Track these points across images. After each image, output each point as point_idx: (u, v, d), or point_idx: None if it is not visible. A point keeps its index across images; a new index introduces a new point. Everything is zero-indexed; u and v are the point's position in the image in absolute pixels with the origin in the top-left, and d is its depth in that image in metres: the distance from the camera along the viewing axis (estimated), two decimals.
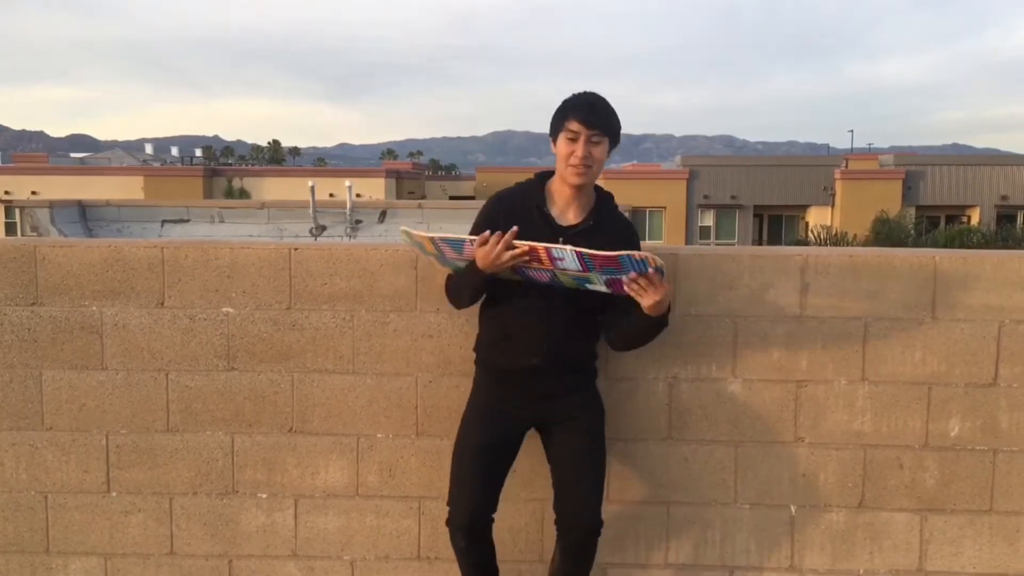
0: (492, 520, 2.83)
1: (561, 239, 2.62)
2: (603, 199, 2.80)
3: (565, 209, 2.75)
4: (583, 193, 2.74)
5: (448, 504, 2.83)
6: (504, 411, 2.81)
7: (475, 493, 2.78)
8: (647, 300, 2.56)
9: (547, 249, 2.52)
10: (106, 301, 3.14)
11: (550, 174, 2.80)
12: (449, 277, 2.85)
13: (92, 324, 3.15)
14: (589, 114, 2.65)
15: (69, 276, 3.13)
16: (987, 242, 25.55)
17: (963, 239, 26.33)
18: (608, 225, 2.75)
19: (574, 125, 2.64)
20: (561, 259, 2.52)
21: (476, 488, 2.78)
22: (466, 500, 2.79)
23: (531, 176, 2.84)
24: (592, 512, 2.79)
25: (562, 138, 2.68)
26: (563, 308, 2.70)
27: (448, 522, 2.83)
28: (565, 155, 2.67)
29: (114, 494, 3.22)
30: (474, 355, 2.91)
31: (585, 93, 2.71)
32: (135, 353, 3.16)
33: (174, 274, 3.13)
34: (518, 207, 2.73)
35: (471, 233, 2.69)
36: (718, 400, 3.13)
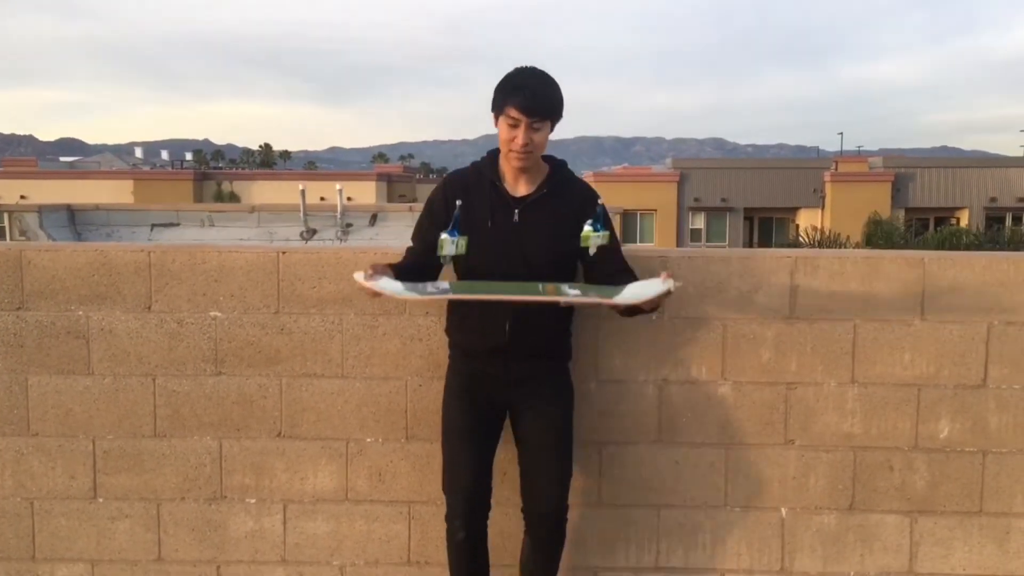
0: (488, 514, 2.81)
1: (517, 209, 2.67)
2: (555, 167, 2.77)
3: (515, 183, 2.73)
4: (530, 168, 2.72)
5: (444, 491, 2.81)
6: (475, 394, 2.80)
7: (467, 473, 2.77)
8: (648, 307, 2.59)
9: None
10: (92, 306, 3.11)
11: (498, 150, 2.76)
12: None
13: (78, 329, 3.12)
14: (530, 101, 2.58)
15: (55, 280, 3.11)
16: (979, 244, 25.66)
17: (954, 241, 26.44)
18: (562, 191, 2.73)
19: (514, 112, 2.59)
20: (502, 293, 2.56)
21: (468, 468, 2.77)
22: (460, 481, 2.77)
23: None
24: (557, 498, 2.78)
25: (502, 122, 2.62)
26: (521, 276, 2.65)
27: (446, 515, 2.81)
28: (506, 140, 2.63)
29: (101, 500, 3.20)
30: (447, 337, 2.91)
31: (524, 73, 2.63)
32: (122, 358, 3.13)
33: (161, 278, 3.11)
34: (472, 183, 2.74)
35: (426, 211, 2.76)
36: (708, 402, 3.13)
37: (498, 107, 2.64)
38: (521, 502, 2.85)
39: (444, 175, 2.86)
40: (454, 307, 2.85)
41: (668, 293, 2.50)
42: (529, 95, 2.59)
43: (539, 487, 2.80)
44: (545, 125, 2.65)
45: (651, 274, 2.59)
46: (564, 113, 2.70)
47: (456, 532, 2.79)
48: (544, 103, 2.62)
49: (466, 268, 2.72)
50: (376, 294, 2.56)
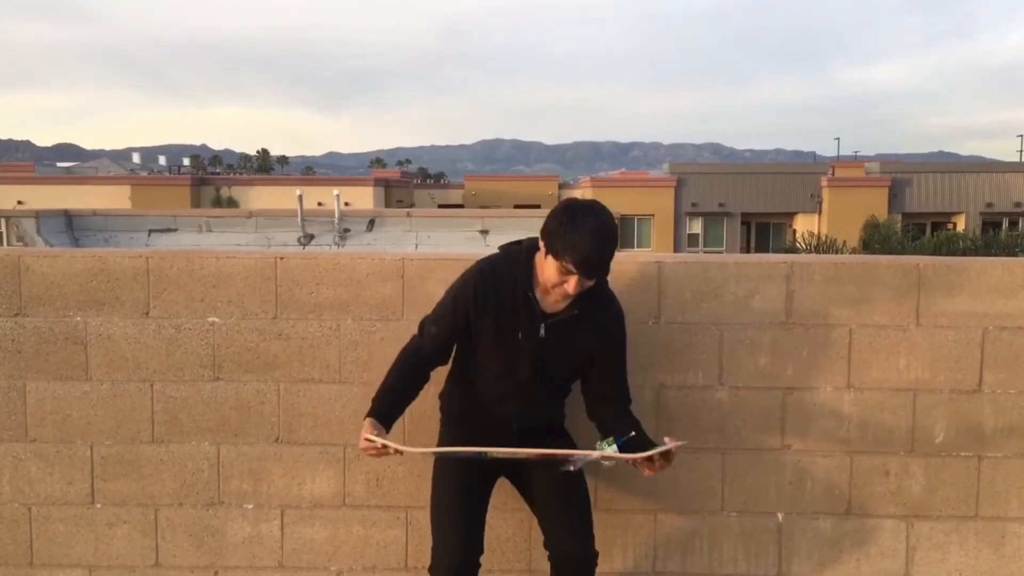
0: (479, 567, 2.72)
1: (543, 324, 2.60)
2: (595, 288, 2.59)
3: (547, 295, 2.61)
4: None
5: (433, 554, 2.70)
6: (468, 458, 2.69)
7: (461, 536, 2.67)
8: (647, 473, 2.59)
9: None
10: (90, 311, 3.12)
11: (536, 246, 2.60)
12: (412, 340, 2.78)
13: (76, 334, 3.13)
14: (594, 270, 2.50)
15: (53, 286, 3.11)
16: (975, 249, 25.68)
17: (951, 246, 26.46)
18: (593, 314, 2.64)
19: (571, 267, 2.46)
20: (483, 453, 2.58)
21: (462, 531, 2.68)
22: (454, 546, 2.66)
23: (516, 244, 2.71)
24: (584, 544, 2.72)
25: (557, 266, 2.47)
26: (533, 382, 2.68)
27: (431, 570, 2.69)
28: (555, 282, 2.51)
29: (99, 506, 3.20)
30: (439, 402, 2.91)
31: (595, 234, 2.45)
32: (120, 363, 3.14)
33: (159, 284, 3.12)
34: (506, 287, 2.61)
35: (452, 303, 2.66)
36: (705, 408, 3.14)
37: (555, 252, 2.47)
38: (547, 551, 2.76)
39: (475, 265, 2.70)
40: (457, 392, 2.83)
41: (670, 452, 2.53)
42: (596, 263, 2.48)
43: (566, 536, 2.71)
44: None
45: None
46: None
47: None
48: (605, 267, 2.53)
49: (477, 365, 2.70)
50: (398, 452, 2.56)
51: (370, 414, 2.60)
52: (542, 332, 2.61)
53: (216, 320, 3.13)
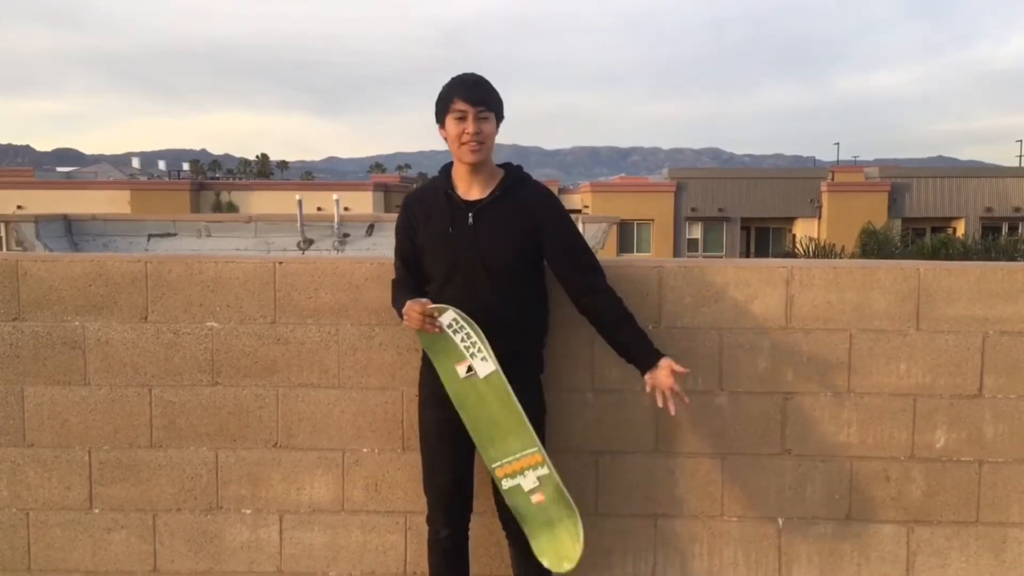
0: (469, 515, 2.85)
1: (470, 213, 2.74)
2: (509, 171, 2.84)
3: (469, 188, 2.79)
4: (483, 170, 2.79)
5: (425, 493, 2.85)
6: (447, 397, 2.78)
7: (446, 472, 2.81)
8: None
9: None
10: (89, 316, 3.11)
11: (449, 164, 2.87)
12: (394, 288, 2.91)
13: (75, 339, 3.12)
14: (473, 90, 2.72)
15: (51, 291, 3.11)
16: (966, 254, 25.71)
17: (948, 250, 26.48)
18: (516, 192, 2.79)
19: (460, 104, 2.70)
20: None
21: (446, 468, 2.81)
22: (440, 480, 2.82)
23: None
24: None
25: (450, 120, 2.73)
26: (477, 272, 2.73)
27: (428, 517, 2.86)
28: (456, 135, 2.72)
29: (97, 511, 3.19)
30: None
31: (464, 74, 2.79)
32: (118, 368, 3.13)
33: (157, 288, 3.11)
34: (429, 197, 2.84)
35: (397, 232, 2.87)
36: (705, 412, 3.13)
37: (443, 109, 2.75)
38: (498, 511, 2.86)
39: (407, 194, 2.98)
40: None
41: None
42: (472, 86, 2.73)
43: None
44: (491, 117, 2.75)
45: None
46: (505, 114, 2.81)
47: (438, 531, 2.84)
48: (487, 92, 2.74)
49: (431, 279, 2.80)
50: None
51: (406, 300, 2.72)
52: (470, 220, 2.75)
53: (215, 325, 3.12)
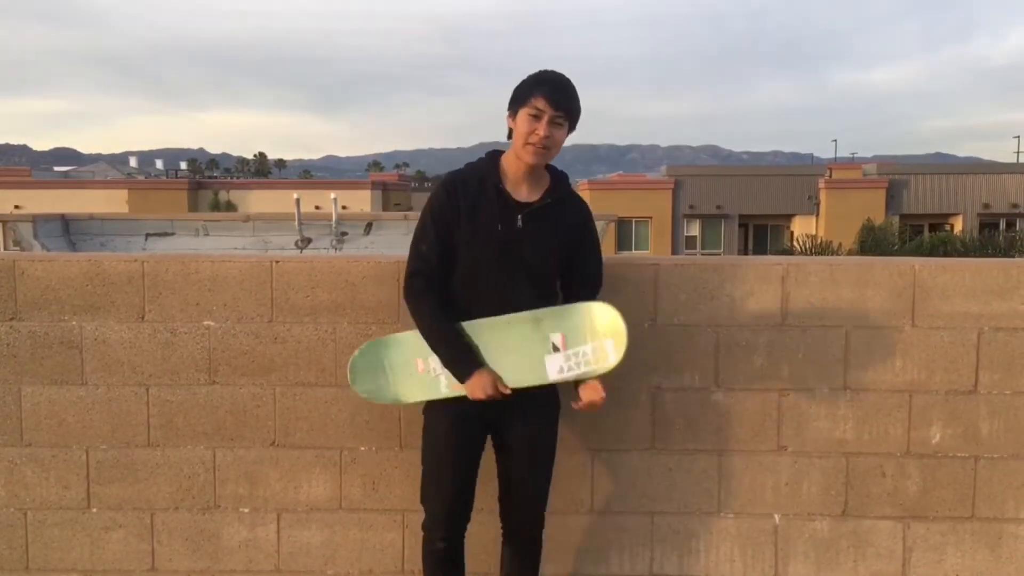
0: (467, 525, 2.81)
1: (519, 215, 2.66)
2: (559, 179, 2.77)
3: (518, 186, 2.70)
4: (536, 171, 2.72)
5: (423, 504, 2.80)
6: (464, 410, 2.72)
7: (451, 487, 2.75)
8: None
9: None
10: (86, 315, 3.12)
11: (501, 152, 2.76)
12: (411, 279, 2.74)
13: (72, 339, 3.12)
14: (558, 93, 2.61)
15: (48, 291, 3.11)
16: (966, 251, 25.75)
17: (946, 247, 26.52)
18: (563, 205, 2.74)
19: (540, 103, 2.59)
20: None
21: (452, 482, 2.75)
22: (444, 495, 2.76)
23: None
24: (539, 508, 2.81)
25: (524, 114, 2.61)
26: (513, 276, 2.67)
27: (424, 524, 2.81)
28: (525, 133, 2.61)
29: (94, 510, 3.20)
30: None
31: (555, 71, 2.67)
32: (115, 368, 3.13)
33: (154, 288, 3.11)
34: (474, 188, 2.68)
35: (430, 215, 2.68)
36: (701, 409, 3.14)
37: (522, 99, 2.61)
38: (499, 509, 2.84)
39: (438, 181, 2.81)
40: None
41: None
42: (559, 88, 2.62)
43: (521, 497, 2.80)
44: (565, 125, 2.66)
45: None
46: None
47: (435, 542, 2.78)
48: (570, 100, 2.64)
49: (465, 270, 2.68)
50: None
51: (474, 369, 2.64)
52: (519, 222, 2.66)
53: (212, 324, 3.13)
